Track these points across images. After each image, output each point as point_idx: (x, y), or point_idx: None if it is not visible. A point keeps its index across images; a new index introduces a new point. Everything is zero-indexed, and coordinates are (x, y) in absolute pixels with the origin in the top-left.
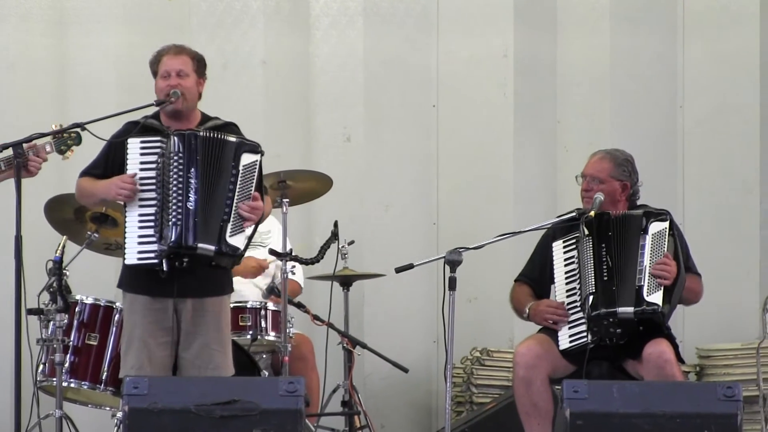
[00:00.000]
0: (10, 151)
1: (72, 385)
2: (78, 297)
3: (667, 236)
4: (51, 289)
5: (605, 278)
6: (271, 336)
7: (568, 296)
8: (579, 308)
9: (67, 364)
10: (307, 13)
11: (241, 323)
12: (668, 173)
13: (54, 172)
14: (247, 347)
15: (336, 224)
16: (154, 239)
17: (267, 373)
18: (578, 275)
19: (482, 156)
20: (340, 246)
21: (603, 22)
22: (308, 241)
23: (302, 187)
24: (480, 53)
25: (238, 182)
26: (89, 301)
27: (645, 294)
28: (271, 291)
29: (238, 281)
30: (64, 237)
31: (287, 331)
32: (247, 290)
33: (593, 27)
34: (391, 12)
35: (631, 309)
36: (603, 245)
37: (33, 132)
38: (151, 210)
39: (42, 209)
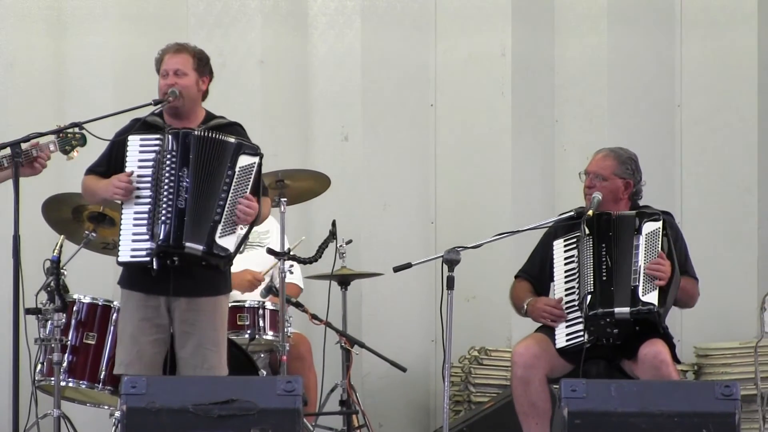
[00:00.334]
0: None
1: (70, 384)
2: (76, 296)
3: (660, 236)
4: (49, 289)
5: (604, 278)
6: (269, 335)
7: (566, 295)
8: (577, 307)
9: (65, 364)
10: (305, 13)
11: (239, 322)
12: (666, 172)
13: (52, 172)
14: (245, 346)
15: (334, 223)
16: (146, 237)
17: (265, 373)
18: (577, 274)
19: (480, 155)
20: (338, 245)
21: (601, 22)
22: (306, 240)
23: (300, 186)
24: (478, 52)
25: (233, 184)
26: (87, 300)
27: (640, 294)
28: (269, 290)
29: None
30: (62, 236)
31: (285, 330)
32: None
33: (591, 26)
34: (389, 11)
35: (627, 309)
36: (603, 245)
37: (31, 131)
38: (145, 208)
39: (40, 209)
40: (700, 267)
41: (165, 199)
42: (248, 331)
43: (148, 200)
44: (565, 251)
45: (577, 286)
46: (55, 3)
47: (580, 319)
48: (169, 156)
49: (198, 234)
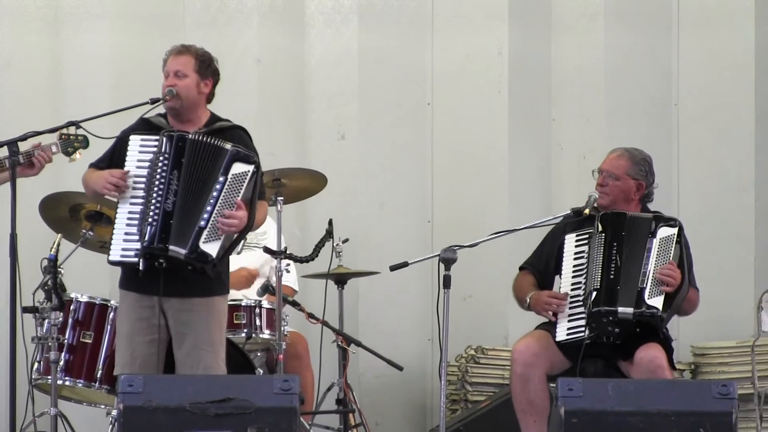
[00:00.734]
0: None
1: (67, 383)
2: (73, 295)
3: (674, 243)
4: (46, 287)
5: (612, 276)
6: (266, 334)
7: (572, 289)
8: (581, 303)
9: (62, 362)
10: (302, 11)
11: (235, 321)
12: (663, 171)
13: (49, 171)
14: (241, 345)
15: (330, 222)
16: (136, 237)
17: (261, 371)
18: (585, 270)
19: (477, 154)
20: (334, 244)
21: (597, 20)
22: (303, 239)
23: (297, 185)
24: (475, 51)
25: (224, 190)
26: (84, 299)
27: (646, 296)
28: (266, 289)
29: None
30: (59, 235)
31: (282, 329)
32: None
33: (588, 25)
34: (386, 10)
35: (630, 309)
36: (615, 244)
37: (28, 130)
38: (138, 208)
39: (37, 207)
40: (697, 266)
41: (154, 201)
42: (245, 330)
43: (141, 201)
44: (576, 246)
45: (583, 281)
46: (52, 2)
47: (583, 315)
48: (162, 158)
49: (183, 238)
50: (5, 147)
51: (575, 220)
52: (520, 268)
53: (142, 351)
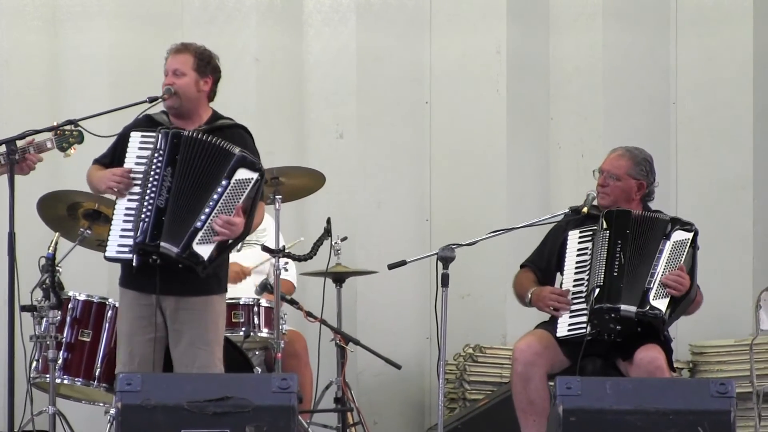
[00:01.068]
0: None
1: (65, 381)
2: (71, 293)
3: (687, 248)
4: (44, 286)
5: (615, 274)
6: (264, 333)
7: (574, 285)
8: (583, 299)
9: (60, 361)
10: (300, 10)
11: (234, 320)
12: (661, 170)
13: (47, 169)
14: (240, 344)
15: (329, 221)
16: (132, 234)
17: (260, 370)
18: (588, 266)
19: (475, 153)
20: (333, 242)
21: (596, 19)
22: (301, 237)
23: (295, 183)
24: (473, 50)
25: (225, 195)
26: (82, 297)
27: (651, 297)
28: (264, 288)
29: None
30: (57, 233)
31: (280, 327)
32: (240, 287)
33: (586, 24)
34: (384, 8)
35: (633, 308)
36: (619, 241)
37: (27, 129)
38: (134, 204)
39: (35, 206)
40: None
41: (148, 197)
42: (243, 329)
43: (137, 197)
44: (579, 242)
45: (586, 278)
46: (50, 1)
47: (585, 311)
48: (157, 154)
49: (176, 235)
50: (3, 146)
51: (577, 218)
52: (521, 266)
53: (141, 349)
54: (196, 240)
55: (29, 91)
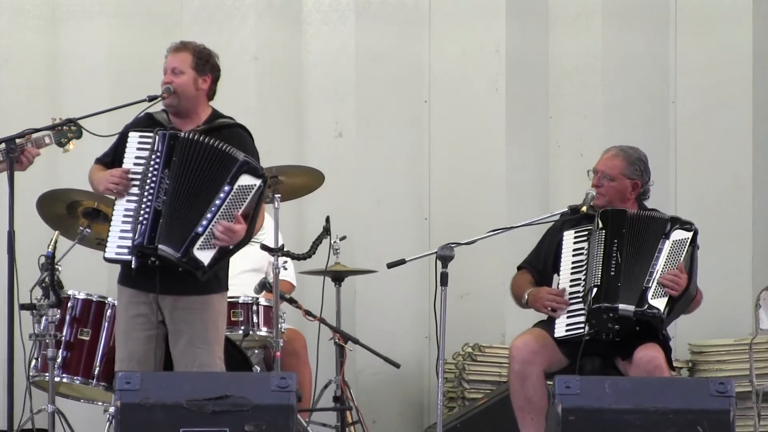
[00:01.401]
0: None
1: (64, 380)
2: (70, 292)
3: (687, 247)
4: (43, 284)
5: (612, 273)
6: (263, 331)
7: (571, 286)
8: (581, 299)
9: (59, 360)
10: (299, 9)
11: (233, 318)
12: (661, 169)
13: (46, 167)
14: (239, 342)
15: (328, 219)
16: (130, 235)
17: (259, 369)
18: (585, 266)
19: (474, 151)
20: (332, 241)
21: (595, 18)
22: (300, 236)
23: (294, 182)
24: (472, 49)
25: (227, 201)
26: (81, 296)
27: (649, 296)
28: (263, 286)
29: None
30: (57, 232)
31: (279, 326)
32: (239, 286)
33: (585, 22)
34: (383, 7)
35: (632, 308)
36: (615, 241)
37: (26, 127)
38: (132, 206)
39: (34, 204)
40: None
41: (145, 200)
42: (242, 327)
43: (135, 198)
44: (575, 242)
45: (583, 278)
46: None
47: (582, 311)
48: (154, 156)
49: (175, 239)
50: (2, 144)
51: (573, 218)
52: (518, 268)
53: (138, 347)
54: (196, 245)
55: (29, 90)
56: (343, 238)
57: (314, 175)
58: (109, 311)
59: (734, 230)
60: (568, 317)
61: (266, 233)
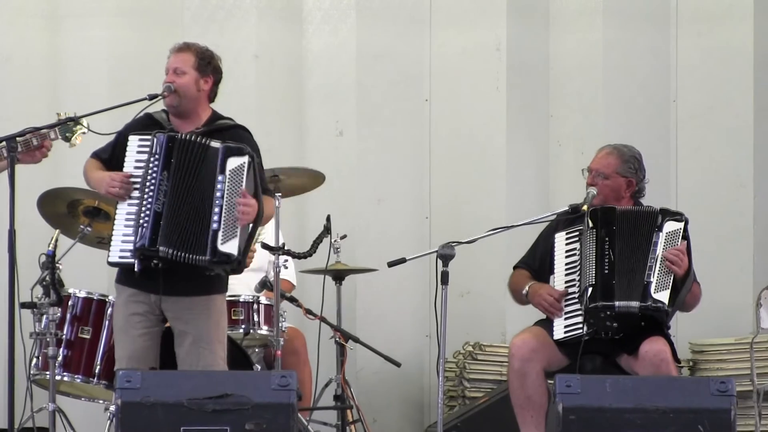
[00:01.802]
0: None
1: (65, 378)
2: (71, 291)
3: (680, 237)
4: (44, 283)
5: (606, 272)
6: (264, 330)
7: (566, 287)
8: (577, 300)
9: (60, 358)
10: (300, 8)
11: (233, 317)
12: (662, 168)
13: (47, 166)
14: (239, 341)
15: (328, 218)
16: (132, 238)
17: (259, 367)
18: (579, 267)
19: (475, 150)
20: (332, 240)
21: (596, 16)
22: (301, 235)
23: (294, 183)
24: (473, 47)
25: (226, 188)
26: (82, 294)
27: (653, 290)
28: (264, 285)
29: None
30: (57, 231)
31: (280, 325)
32: (239, 285)
33: (586, 21)
34: (384, 6)
35: (636, 303)
36: (606, 239)
37: (27, 125)
38: (134, 209)
39: (35, 203)
40: (696, 263)
41: (146, 202)
42: (243, 326)
43: (137, 201)
44: (567, 243)
45: (577, 278)
46: None
47: (580, 312)
48: (153, 158)
49: (189, 242)
50: (3, 143)
51: (566, 219)
52: (515, 267)
53: (136, 345)
54: (219, 241)
55: (30, 88)
56: (344, 236)
57: (315, 177)
58: (109, 310)
59: (735, 229)
60: (565, 318)
61: (267, 232)
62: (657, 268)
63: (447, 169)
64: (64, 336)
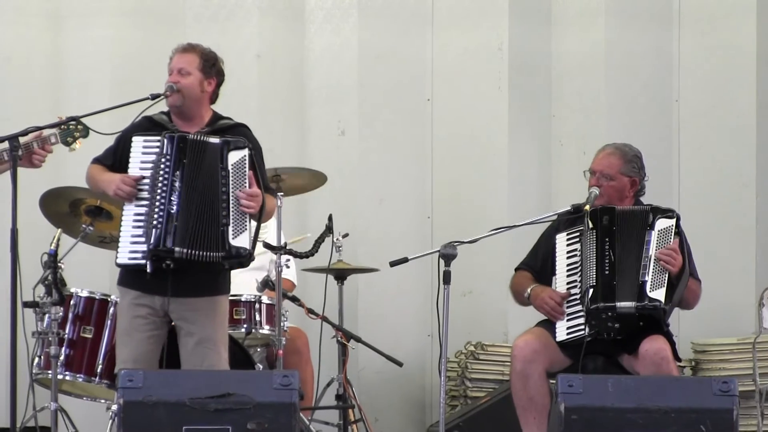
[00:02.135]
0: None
1: (67, 377)
2: (73, 290)
3: (673, 234)
4: (46, 282)
5: (606, 272)
6: (266, 329)
7: (568, 288)
8: (578, 301)
9: (62, 357)
10: (302, 7)
11: (235, 317)
12: (664, 167)
13: (50, 165)
14: (241, 341)
15: (330, 218)
16: (143, 240)
17: (261, 367)
18: (580, 268)
19: (477, 150)
20: (334, 239)
21: (598, 16)
22: (302, 234)
23: (296, 183)
24: (474, 47)
25: (231, 182)
26: (84, 294)
27: (648, 289)
28: (266, 284)
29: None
30: (59, 230)
31: (281, 324)
32: (241, 284)
33: (589, 21)
34: (386, 5)
35: (632, 303)
36: (606, 239)
37: (29, 125)
38: (143, 210)
39: (37, 202)
40: (697, 262)
41: (158, 203)
42: (244, 326)
43: (146, 203)
44: (568, 245)
45: (579, 279)
46: None
47: (581, 313)
48: (164, 159)
49: (200, 241)
50: (6, 142)
51: (567, 219)
52: (516, 269)
53: (141, 348)
54: (230, 236)
55: (31, 88)
56: (346, 236)
57: (316, 177)
58: (111, 309)
59: (738, 229)
60: (567, 320)
61: (269, 231)
62: (651, 267)
63: (449, 169)
64: (66, 335)
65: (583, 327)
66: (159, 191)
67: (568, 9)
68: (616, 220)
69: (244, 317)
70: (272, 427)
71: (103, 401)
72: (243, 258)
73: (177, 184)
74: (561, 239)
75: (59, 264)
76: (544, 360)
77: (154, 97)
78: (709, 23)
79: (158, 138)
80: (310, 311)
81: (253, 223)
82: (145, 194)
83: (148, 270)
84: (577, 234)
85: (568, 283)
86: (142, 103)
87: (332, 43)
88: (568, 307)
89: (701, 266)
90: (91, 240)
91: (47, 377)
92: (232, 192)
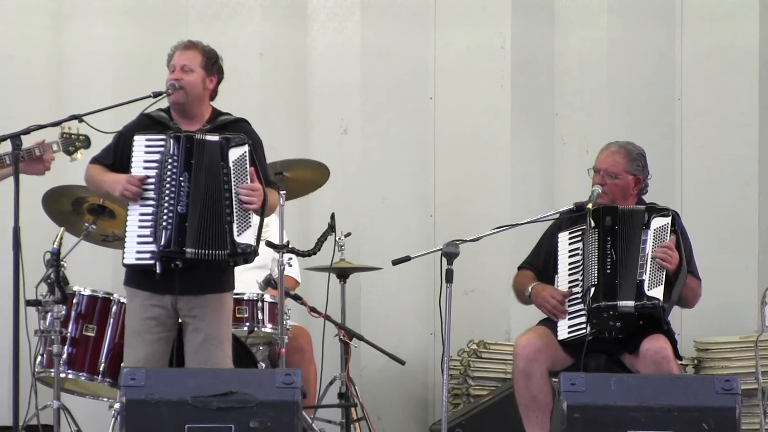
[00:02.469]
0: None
1: (70, 376)
2: (76, 288)
3: (669, 232)
4: (49, 281)
5: (608, 271)
6: (268, 328)
7: (570, 287)
8: (580, 300)
9: (64, 356)
10: (305, 5)
11: (238, 315)
12: (666, 166)
13: (52, 164)
14: (244, 339)
15: (333, 216)
16: (150, 240)
17: (264, 365)
18: (582, 267)
19: (479, 148)
20: (337, 238)
21: (601, 15)
22: (305, 233)
23: (299, 177)
24: (477, 45)
25: (232, 179)
26: (87, 292)
27: (646, 288)
28: (268, 283)
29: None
30: (62, 228)
31: (284, 323)
32: (243, 282)
33: (591, 19)
34: (388, 4)
35: (631, 303)
36: (608, 238)
37: (31, 123)
38: (149, 210)
39: (40, 201)
40: (700, 261)
41: (167, 204)
42: (247, 324)
43: (152, 203)
44: (570, 243)
45: (581, 278)
46: None
47: (583, 312)
48: (170, 159)
49: (208, 240)
50: (8, 141)
51: (570, 218)
52: (519, 268)
53: (151, 349)
54: (235, 233)
55: (34, 86)
56: (348, 234)
57: (319, 170)
58: (114, 308)
59: (740, 227)
60: (569, 319)
61: (271, 230)
62: (648, 266)
63: (451, 168)
64: (68, 334)
65: (584, 326)
66: (167, 191)
67: (571, 8)
68: (618, 220)
69: (246, 315)
70: (275, 426)
71: (105, 400)
72: (248, 254)
73: (184, 184)
74: (563, 238)
75: (62, 262)
76: (546, 358)
77: (157, 94)
78: (711, 22)
79: (161, 137)
80: (312, 310)
81: (257, 219)
82: (150, 194)
83: (158, 270)
84: (579, 233)
85: (569, 282)
86: (144, 102)
87: (335, 42)
88: (569, 306)
89: (703, 265)
90: (94, 238)
91: (50, 376)
92: (235, 189)
